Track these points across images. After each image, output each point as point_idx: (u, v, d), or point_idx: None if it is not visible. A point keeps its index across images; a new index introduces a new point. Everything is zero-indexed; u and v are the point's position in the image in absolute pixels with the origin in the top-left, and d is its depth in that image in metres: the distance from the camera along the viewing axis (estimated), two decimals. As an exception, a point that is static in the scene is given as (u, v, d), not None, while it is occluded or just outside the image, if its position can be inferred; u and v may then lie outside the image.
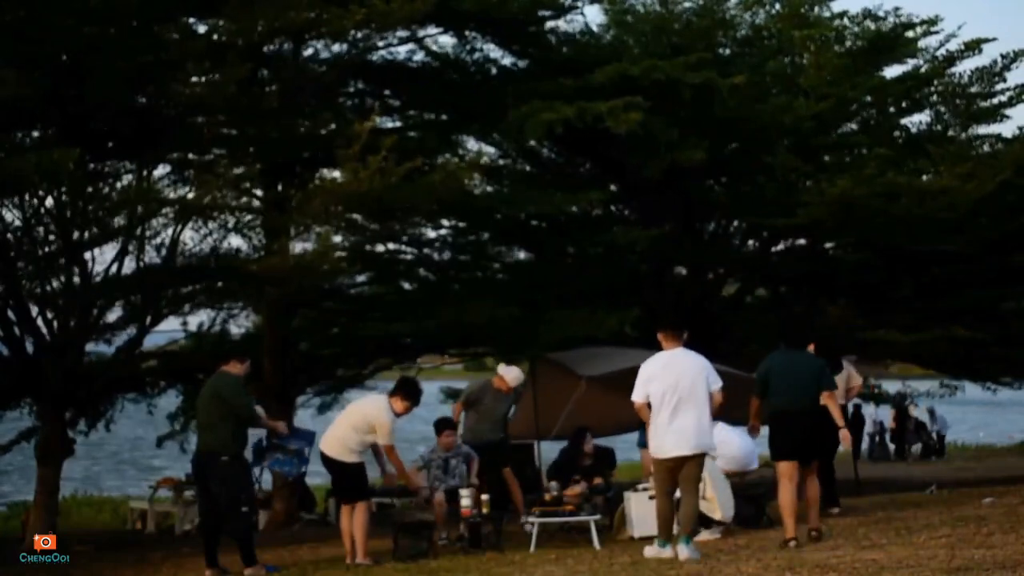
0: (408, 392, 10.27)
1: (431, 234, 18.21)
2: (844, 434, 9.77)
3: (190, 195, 14.50)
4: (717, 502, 10.25)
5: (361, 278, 18.07)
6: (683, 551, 8.68)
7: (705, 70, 15.83)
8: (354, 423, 10.10)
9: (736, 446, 11.09)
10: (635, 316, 15.86)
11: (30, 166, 11.42)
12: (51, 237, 14.29)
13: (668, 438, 8.92)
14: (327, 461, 10.19)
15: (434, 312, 15.37)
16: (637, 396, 9.11)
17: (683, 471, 9.00)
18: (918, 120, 19.03)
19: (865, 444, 28.12)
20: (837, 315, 17.51)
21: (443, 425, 11.95)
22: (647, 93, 14.81)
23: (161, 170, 15.25)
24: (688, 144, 15.69)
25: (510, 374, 12.44)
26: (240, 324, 18.15)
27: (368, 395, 12.83)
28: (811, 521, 9.47)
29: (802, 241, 19.54)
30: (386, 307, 16.68)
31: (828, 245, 19.38)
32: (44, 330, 14.44)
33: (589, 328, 15.11)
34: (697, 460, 9.05)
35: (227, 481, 9.76)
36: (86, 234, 14.02)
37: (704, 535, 10.04)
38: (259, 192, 15.94)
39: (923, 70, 18.40)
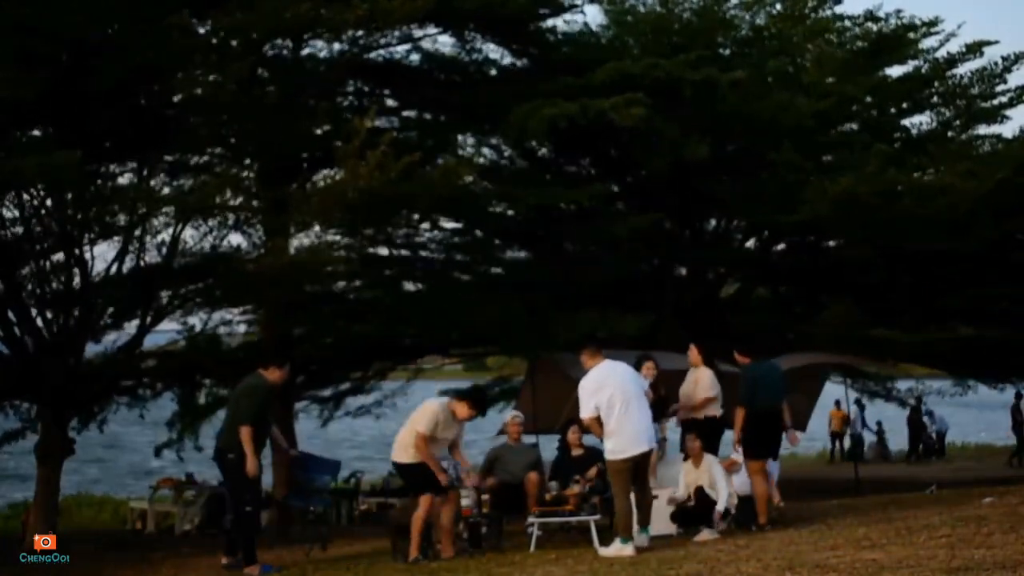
0: (476, 401, 10.23)
1: (429, 234, 18.21)
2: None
3: (190, 194, 14.48)
4: (717, 492, 10.34)
5: (358, 282, 18.05)
6: (642, 539, 9.44)
7: (705, 67, 15.82)
8: (411, 419, 10.12)
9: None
10: (651, 322, 15.88)
11: (31, 168, 11.40)
12: (51, 237, 14.27)
13: (627, 438, 9.43)
14: (396, 468, 10.39)
15: (438, 315, 15.35)
16: (587, 411, 9.49)
17: (637, 467, 9.54)
18: (919, 120, 19.08)
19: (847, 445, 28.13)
20: (841, 314, 17.49)
21: None
22: (648, 91, 14.80)
23: (161, 169, 15.24)
24: (690, 141, 15.66)
25: (513, 417, 12.19)
26: (239, 325, 18.13)
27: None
28: (762, 516, 10.39)
29: (802, 239, 19.56)
30: (385, 308, 16.66)
31: (829, 243, 19.38)
32: (44, 330, 14.43)
33: (600, 330, 15.07)
34: (648, 455, 9.75)
35: (233, 479, 9.96)
36: (86, 234, 14.01)
37: (704, 534, 10.05)
38: (259, 191, 15.92)
39: (924, 70, 18.42)
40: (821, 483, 19.70)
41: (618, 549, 9.23)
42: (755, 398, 10.45)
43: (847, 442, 28.62)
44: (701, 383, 11.36)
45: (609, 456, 9.56)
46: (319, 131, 14.45)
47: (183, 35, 12.41)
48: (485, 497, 11.66)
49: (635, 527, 9.53)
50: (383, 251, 18.00)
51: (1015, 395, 25.32)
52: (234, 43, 12.85)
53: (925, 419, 29.41)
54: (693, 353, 11.58)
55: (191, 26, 13.07)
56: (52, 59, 12.17)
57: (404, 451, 10.00)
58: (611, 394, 9.43)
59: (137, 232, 14.32)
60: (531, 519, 10.66)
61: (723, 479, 10.46)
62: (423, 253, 18.29)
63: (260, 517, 10.22)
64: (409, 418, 10.22)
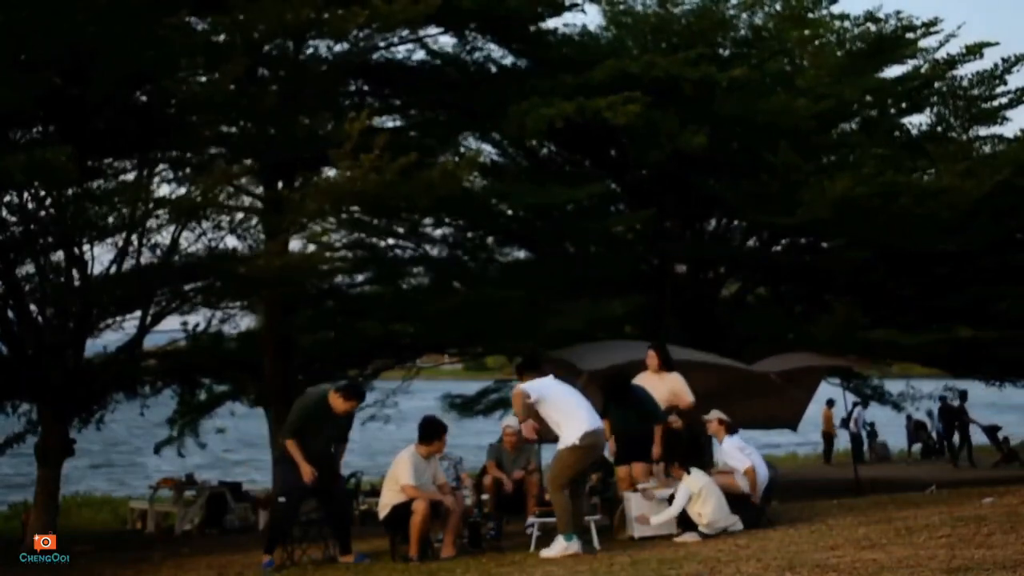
0: (425, 432, 10.26)
1: (429, 231, 18.22)
2: None
3: (188, 194, 14.47)
4: (706, 515, 10.21)
5: (360, 277, 18.06)
6: (573, 546, 9.35)
7: (704, 65, 15.83)
8: (389, 476, 10.27)
9: (763, 474, 11.20)
10: (637, 303, 15.85)
11: (19, 164, 11.36)
12: (50, 237, 14.26)
13: (580, 419, 9.45)
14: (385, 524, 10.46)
15: (436, 312, 15.36)
16: (534, 394, 9.47)
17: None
18: (918, 121, 19.08)
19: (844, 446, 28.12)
20: (841, 314, 17.49)
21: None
22: (647, 89, 14.81)
23: (159, 168, 15.24)
24: (688, 132, 15.63)
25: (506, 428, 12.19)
26: (239, 324, 18.13)
27: None
28: None
29: (802, 240, 19.55)
30: (385, 306, 16.66)
31: (829, 244, 19.39)
32: (44, 330, 14.42)
33: (591, 316, 15.10)
34: (600, 450, 9.99)
35: (273, 479, 11.12)
36: (85, 233, 14.00)
37: (687, 536, 10.06)
38: (258, 191, 15.93)
39: (923, 71, 18.40)
40: (821, 483, 19.70)
41: (563, 547, 9.27)
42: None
43: (840, 443, 28.63)
44: (677, 387, 11.34)
45: (567, 444, 9.41)
46: (320, 131, 14.43)
47: (181, 35, 12.40)
48: (485, 497, 11.67)
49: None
50: (387, 241, 18.03)
51: (960, 394, 25.29)
52: (233, 42, 12.81)
53: (925, 419, 29.35)
54: (652, 358, 11.52)
55: (189, 26, 13.06)
56: (51, 60, 12.15)
57: (384, 508, 10.14)
58: (566, 396, 9.61)
59: (136, 231, 14.31)
60: (531, 519, 10.66)
61: (711, 500, 10.28)
62: (426, 246, 18.30)
63: (288, 519, 10.26)
64: (387, 477, 10.31)
